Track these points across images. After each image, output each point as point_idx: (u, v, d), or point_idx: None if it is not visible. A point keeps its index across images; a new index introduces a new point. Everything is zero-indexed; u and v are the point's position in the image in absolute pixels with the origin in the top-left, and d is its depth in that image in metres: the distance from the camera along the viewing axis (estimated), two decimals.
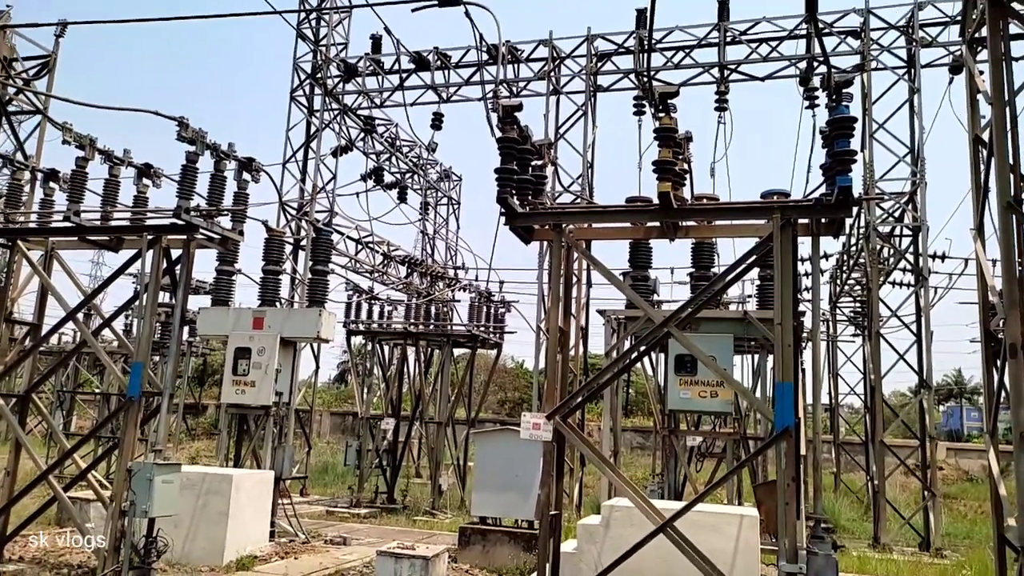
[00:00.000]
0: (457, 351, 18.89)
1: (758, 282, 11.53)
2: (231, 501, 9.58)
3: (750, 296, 14.01)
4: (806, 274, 17.75)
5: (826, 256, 20.82)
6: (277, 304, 12.85)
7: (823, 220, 6.52)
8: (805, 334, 10.78)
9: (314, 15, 18.90)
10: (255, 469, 11.58)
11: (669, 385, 9.81)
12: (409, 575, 7.91)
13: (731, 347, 9.81)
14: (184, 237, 8.75)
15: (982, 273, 6.26)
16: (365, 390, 18.19)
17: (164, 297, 17.78)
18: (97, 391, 23.14)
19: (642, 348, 7.64)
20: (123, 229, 9.09)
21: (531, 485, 9.97)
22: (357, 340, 18.88)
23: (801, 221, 6.49)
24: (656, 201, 6.83)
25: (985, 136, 6.17)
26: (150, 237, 8.69)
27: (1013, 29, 6.07)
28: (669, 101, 7.02)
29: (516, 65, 17.51)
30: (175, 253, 8.82)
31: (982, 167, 6.26)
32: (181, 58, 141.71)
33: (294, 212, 17.97)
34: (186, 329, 19.28)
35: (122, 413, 8.45)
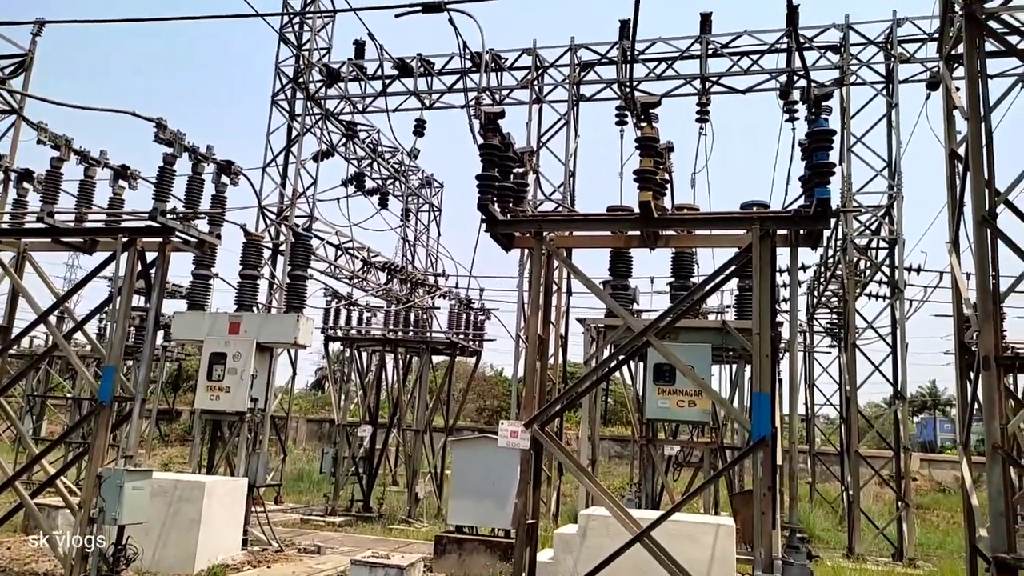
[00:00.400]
0: (436, 358, 18.83)
1: (737, 292, 11.60)
2: (203, 509, 9.42)
3: (729, 306, 14.08)
4: (784, 285, 17.89)
5: (804, 267, 21.03)
6: (254, 309, 12.71)
7: (801, 231, 6.56)
8: (783, 344, 10.85)
9: (297, 19, 18.81)
10: (229, 476, 11.42)
11: (647, 394, 9.81)
12: None
13: (709, 357, 9.84)
14: (160, 240, 8.63)
15: (957, 286, 6.34)
16: (342, 397, 18.04)
17: (140, 301, 17.56)
18: (69, 395, 22.74)
19: (621, 357, 7.63)
20: (97, 231, 8.95)
21: (508, 493, 9.92)
22: (335, 346, 18.75)
23: (780, 232, 6.53)
24: (637, 210, 6.84)
25: (961, 151, 6.26)
26: (124, 240, 8.55)
27: (989, 47, 6.16)
28: (651, 111, 7.05)
29: (499, 73, 17.53)
30: (150, 256, 8.70)
31: (958, 182, 6.34)
32: (164, 59, 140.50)
33: (273, 216, 17.82)
34: (161, 333, 19.02)
35: (93, 418, 8.29)
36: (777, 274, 8.46)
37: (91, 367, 18.97)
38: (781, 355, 10.53)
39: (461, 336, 17.82)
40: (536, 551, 6.67)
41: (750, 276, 6.69)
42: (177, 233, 8.64)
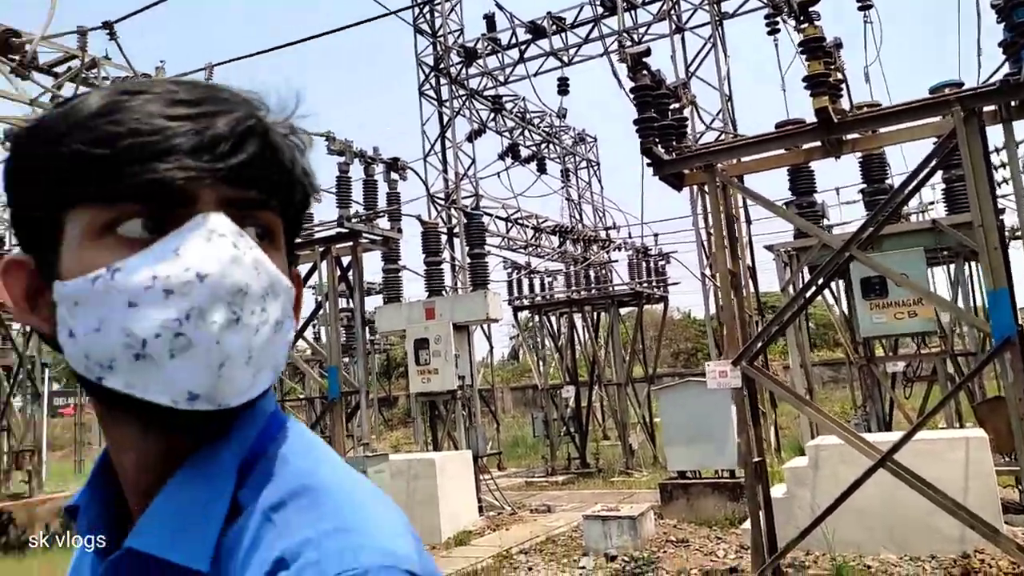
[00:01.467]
0: (623, 310, 18.77)
1: (943, 186, 10.50)
2: (438, 483, 10.14)
3: (932, 203, 12.82)
4: (1002, 165, 15.93)
5: (1019, 143, 18.56)
6: (443, 292, 13.35)
7: (1013, 103, 5.78)
8: (1009, 232, 9.70)
9: (427, 7, 19.24)
10: (453, 450, 12.18)
11: (858, 312, 9.17)
12: (618, 535, 8.01)
13: (923, 260, 9.01)
14: (350, 244, 9.29)
15: None
16: (540, 362, 18.54)
17: (344, 302, 19.03)
18: (301, 396, 25.21)
19: (822, 279, 7.20)
20: (295, 246, 9.78)
21: (724, 434, 9.76)
22: (524, 315, 19.27)
23: (987, 109, 5.80)
24: (813, 119, 6.37)
25: None
26: (321, 249, 9.29)
27: None
28: (810, 9, 6.50)
29: (633, 12, 16.95)
30: (345, 261, 9.39)
31: None
32: (315, 72, 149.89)
33: (442, 202, 18.54)
34: (367, 328, 20.50)
35: (328, 414, 9.16)
36: (990, 156, 7.54)
37: (315, 368, 20.90)
38: (1009, 243, 9.42)
39: (644, 285, 17.65)
40: (769, 488, 6.51)
41: (956, 166, 6.03)
42: (364, 235, 9.26)
